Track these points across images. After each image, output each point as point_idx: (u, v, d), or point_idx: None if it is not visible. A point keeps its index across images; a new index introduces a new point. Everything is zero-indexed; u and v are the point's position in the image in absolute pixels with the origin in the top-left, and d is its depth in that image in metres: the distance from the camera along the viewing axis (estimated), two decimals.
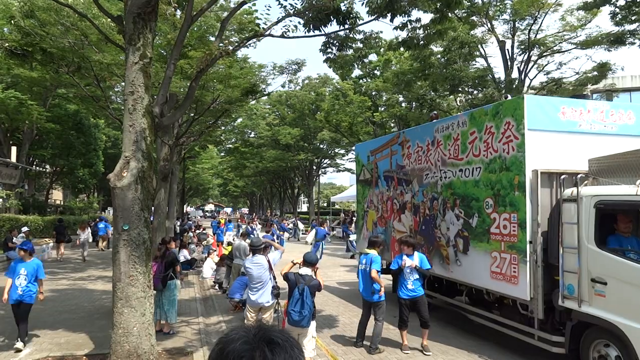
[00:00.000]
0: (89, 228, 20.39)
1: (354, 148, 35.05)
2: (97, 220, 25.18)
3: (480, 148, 7.46)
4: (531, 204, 6.49)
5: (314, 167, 43.09)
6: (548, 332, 6.43)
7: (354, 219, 31.12)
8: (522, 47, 20.59)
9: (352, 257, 19.74)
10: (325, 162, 44.04)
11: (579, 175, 6.13)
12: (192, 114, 15.75)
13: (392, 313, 9.96)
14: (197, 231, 24.19)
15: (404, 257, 7.31)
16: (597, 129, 6.95)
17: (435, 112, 13.09)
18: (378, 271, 7.10)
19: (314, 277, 6.07)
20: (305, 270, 6.06)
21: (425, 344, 7.26)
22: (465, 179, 7.84)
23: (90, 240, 20.52)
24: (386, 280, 11.89)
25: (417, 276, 7.27)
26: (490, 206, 7.18)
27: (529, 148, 6.54)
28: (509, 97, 7.29)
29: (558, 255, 6.22)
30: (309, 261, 6.17)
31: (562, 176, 6.41)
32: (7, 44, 9.50)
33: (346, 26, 8.46)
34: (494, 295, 7.43)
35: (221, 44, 7.67)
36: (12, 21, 10.00)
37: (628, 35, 18.17)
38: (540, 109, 6.71)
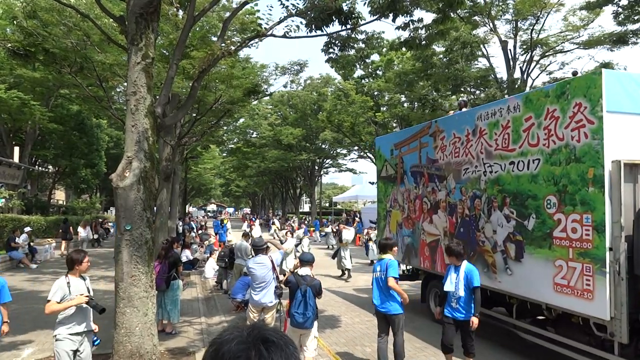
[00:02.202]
0: (88, 226, 21.93)
1: (355, 148, 35.28)
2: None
3: (539, 136, 6.31)
4: (611, 202, 5.38)
5: (316, 167, 43.09)
6: None
7: (356, 218, 31.17)
8: (525, 47, 20.58)
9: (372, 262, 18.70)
10: (327, 162, 44.05)
11: None
12: (194, 114, 15.78)
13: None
14: (200, 231, 24.25)
15: (451, 273, 6.05)
16: None
17: (464, 99, 12.22)
18: (396, 278, 6.13)
19: (314, 276, 6.06)
20: (305, 271, 6.03)
21: None
22: (517, 173, 6.68)
23: (90, 238, 22.00)
24: (412, 288, 11.69)
25: (463, 293, 5.92)
26: (554, 205, 6.04)
27: (609, 134, 5.38)
28: (579, 74, 6.22)
29: None
30: (306, 260, 6.14)
31: None
32: (9, 45, 9.52)
33: (348, 26, 8.45)
34: (556, 311, 6.30)
35: (223, 44, 7.68)
36: (15, 21, 10.02)
37: (631, 35, 18.14)
38: (622, 87, 5.59)
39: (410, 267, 10.59)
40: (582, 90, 5.71)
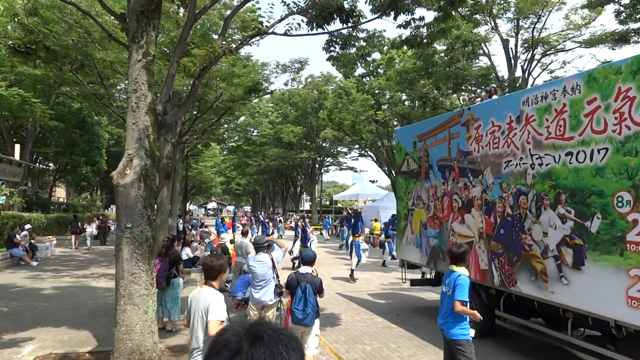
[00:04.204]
0: (94, 223, 23.57)
1: (356, 146, 35.31)
2: None
3: (607, 121, 5.35)
4: None
5: (317, 166, 43.13)
6: None
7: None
8: (526, 45, 20.54)
9: (384, 263, 17.64)
10: (327, 160, 44.09)
11: None
12: (195, 112, 15.78)
13: (396, 312, 9.97)
14: (200, 229, 24.32)
15: None
16: None
17: (493, 85, 11.21)
18: (464, 302, 4.95)
19: (315, 275, 6.07)
20: (305, 269, 6.05)
21: None
22: (577, 166, 5.73)
23: (95, 233, 23.42)
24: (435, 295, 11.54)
25: None
26: (627, 203, 5.12)
27: None
28: None
29: None
30: (308, 260, 6.15)
31: None
32: (10, 42, 9.51)
33: (349, 24, 8.44)
34: (627, 329, 5.31)
35: (224, 42, 7.67)
36: (16, 19, 10.02)
37: (632, 34, 18.08)
38: None
39: (434, 271, 9.84)
40: None
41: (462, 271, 5.08)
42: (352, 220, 15.57)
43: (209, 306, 4.02)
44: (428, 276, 10.65)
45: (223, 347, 1.07)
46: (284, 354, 1.05)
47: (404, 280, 10.74)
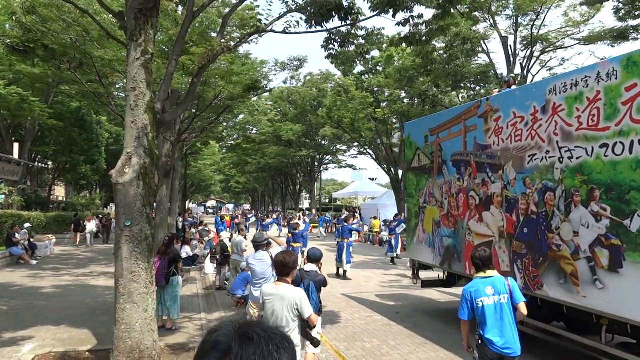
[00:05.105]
0: (94, 220, 24.02)
1: (355, 144, 35.32)
2: None
3: None
4: None
5: (316, 164, 43.13)
6: None
7: (356, 215, 31.17)
8: (525, 42, 20.54)
9: (392, 260, 17.75)
10: (327, 158, 44.09)
11: None
12: (194, 110, 15.76)
13: (396, 310, 9.99)
14: (200, 227, 24.33)
15: None
16: None
17: (512, 75, 10.65)
18: (526, 303, 4.52)
19: (319, 272, 6.07)
20: (310, 267, 6.05)
21: None
22: (614, 159, 5.19)
23: (95, 230, 23.87)
24: (446, 296, 11.30)
25: None
26: None
27: None
28: None
29: None
30: (314, 258, 6.15)
31: None
32: (8, 40, 9.50)
33: (348, 22, 8.44)
34: None
35: (223, 40, 7.67)
36: (14, 17, 9.98)
37: (631, 31, 18.08)
38: None
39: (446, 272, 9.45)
40: None
41: (497, 274, 4.61)
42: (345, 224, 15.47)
43: (300, 303, 4.33)
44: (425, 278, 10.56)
45: (212, 347, 1.05)
46: (275, 354, 1.04)
47: (414, 282, 10.47)
